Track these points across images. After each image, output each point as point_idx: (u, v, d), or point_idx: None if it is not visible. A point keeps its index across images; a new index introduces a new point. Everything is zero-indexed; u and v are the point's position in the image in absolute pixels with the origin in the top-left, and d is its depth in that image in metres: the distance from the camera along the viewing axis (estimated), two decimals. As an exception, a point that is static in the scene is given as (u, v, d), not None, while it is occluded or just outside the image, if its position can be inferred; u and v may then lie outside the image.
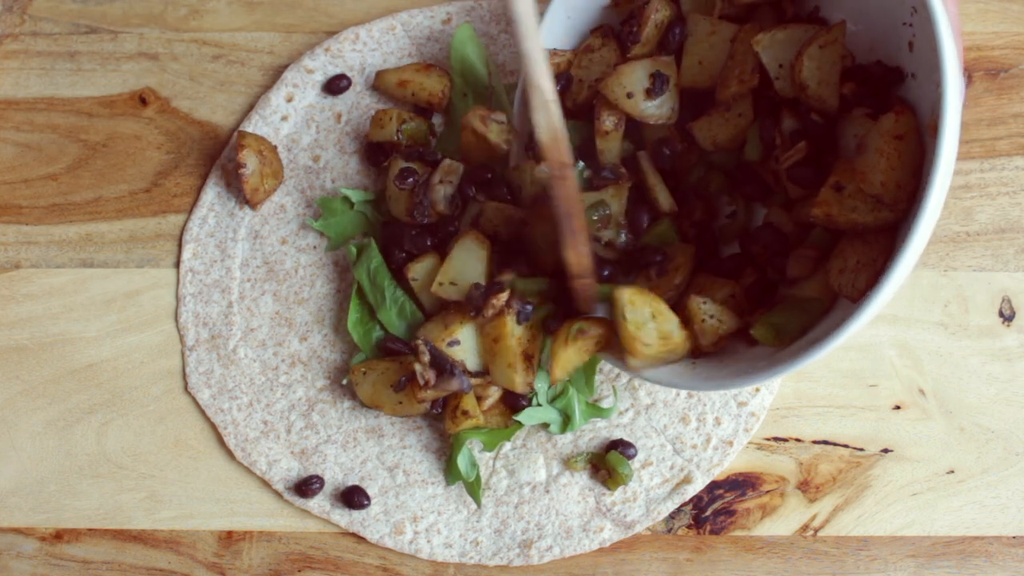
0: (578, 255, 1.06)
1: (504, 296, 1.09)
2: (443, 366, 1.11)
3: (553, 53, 1.17)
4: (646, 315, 1.04)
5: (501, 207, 1.15)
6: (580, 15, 1.19)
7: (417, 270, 1.17)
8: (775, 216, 1.11)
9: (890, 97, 1.04)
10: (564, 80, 1.16)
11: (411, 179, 1.17)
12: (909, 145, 0.95)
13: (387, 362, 1.17)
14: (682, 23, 1.13)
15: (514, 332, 1.11)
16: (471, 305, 1.10)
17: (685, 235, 1.15)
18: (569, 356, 1.09)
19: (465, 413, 1.13)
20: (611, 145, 1.14)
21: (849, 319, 0.92)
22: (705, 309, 1.05)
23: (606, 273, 1.13)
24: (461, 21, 1.30)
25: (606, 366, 1.20)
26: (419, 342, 1.11)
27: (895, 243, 0.96)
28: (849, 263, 0.98)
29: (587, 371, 1.18)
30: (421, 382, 1.11)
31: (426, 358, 1.11)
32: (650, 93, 1.10)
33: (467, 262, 1.14)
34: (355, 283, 1.21)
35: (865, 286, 0.96)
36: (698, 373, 1.04)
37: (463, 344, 1.13)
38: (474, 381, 1.15)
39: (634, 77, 1.10)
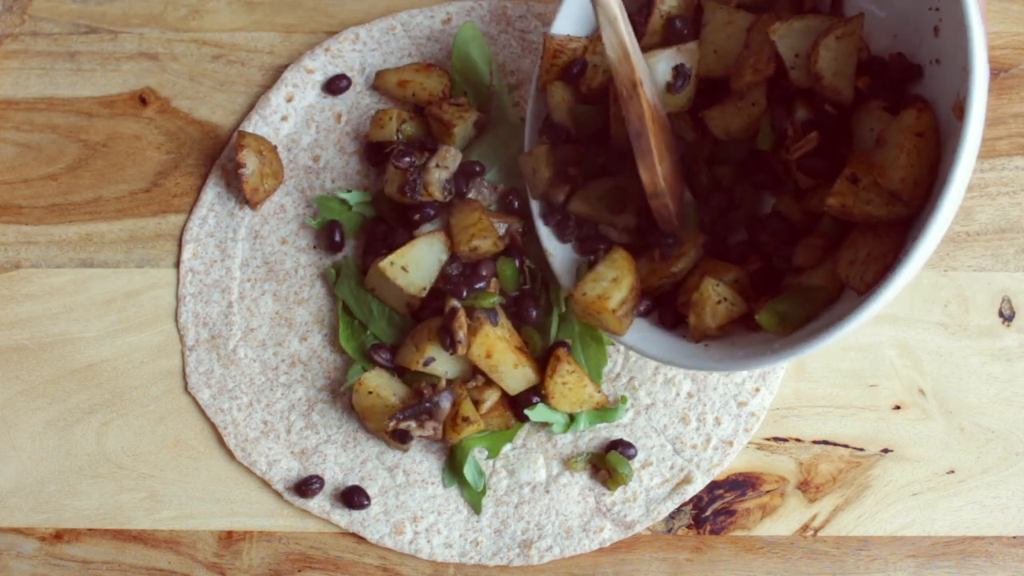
0: (651, 174, 1.06)
1: (462, 316, 1.11)
2: (431, 412, 1.13)
3: (569, 39, 1.16)
4: (610, 275, 1.08)
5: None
6: None
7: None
8: (784, 205, 1.11)
9: (906, 93, 1.04)
10: (579, 65, 1.16)
11: (408, 158, 1.18)
12: (928, 142, 0.96)
13: (391, 389, 1.17)
14: (698, 12, 1.13)
15: (499, 336, 1.12)
16: (447, 345, 1.12)
17: (702, 221, 1.16)
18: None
19: (465, 419, 1.13)
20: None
21: (860, 308, 0.93)
22: (719, 291, 1.06)
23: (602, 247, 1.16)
24: (461, 21, 1.30)
25: (613, 371, 1.20)
26: (396, 423, 1.13)
27: (905, 239, 0.97)
28: (859, 255, 0.99)
29: (595, 365, 1.19)
30: (438, 437, 1.15)
31: (413, 438, 1.15)
32: (671, 87, 1.11)
33: (425, 257, 1.15)
34: (340, 302, 1.22)
35: (873, 279, 0.96)
36: (711, 355, 1.05)
37: (439, 358, 1.14)
38: (471, 384, 1.16)
39: (657, 68, 1.10)
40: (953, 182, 0.89)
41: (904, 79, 1.05)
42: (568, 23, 1.18)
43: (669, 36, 1.14)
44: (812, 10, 1.11)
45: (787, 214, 1.10)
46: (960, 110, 0.92)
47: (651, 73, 1.09)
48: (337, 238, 1.23)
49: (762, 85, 1.08)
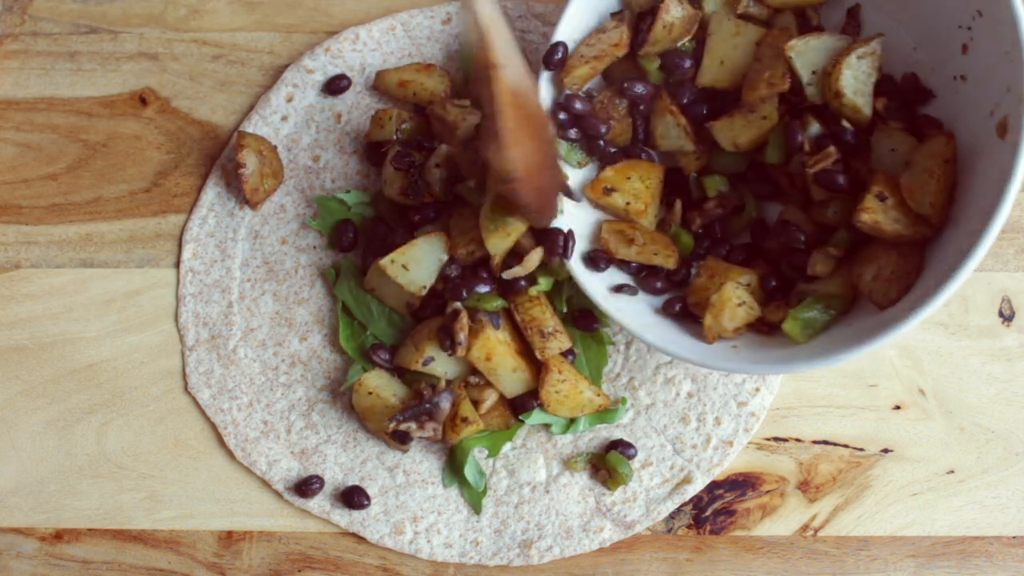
0: (498, 158, 1.03)
1: (464, 318, 1.11)
2: (431, 413, 1.13)
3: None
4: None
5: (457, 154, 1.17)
6: None
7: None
8: (792, 215, 1.13)
9: (916, 114, 1.09)
10: (562, 50, 1.15)
11: (407, 159, 1.17)
12: (952, 168, 1.03)
13: (392, 390, 1.17)
14: (702, 29, 1.15)
15: (499, 339, 1.12)
16: (446, 346, 1.12)
17: (690, 223, 1.17)
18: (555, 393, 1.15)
19: (464, 420, 1.14)
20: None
21: (904, 319, 0.97)
22: (739, 295, 1.08)
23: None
24: (462, 21, 1.30)
25: (613, 371, 1.20)
26: (396, 424, 1.12)
27: (924, 257, 1.04)
28: (883, 272, 1.04)
29: (595, 366, 1.19)
30: (438, 438, 1.14)
31: (413, 439, 1.14)
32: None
33: (426, 256, 1.15)
34: (339, 302, 1.22)
35: (896, 295, 1.02)
36: (743, 356, 1.06)
37: (438, 359, 1.14)
38: (472, 380, 1.16)
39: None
40: (1007, 200, 0.95)
41: (914, 100, 1.09)
42: (572, 26, 1.17)
43: (669, 60, 1.15)
44: (818, 27, 1.14)
45: (797, 223, 1.12)
46: (1004, 129, 0.97)
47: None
48: (351, 234, 1.22)
49: (774, 99, 1.10)
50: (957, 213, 1.03)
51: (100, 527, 1.20)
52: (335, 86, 1.28)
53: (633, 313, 1.12)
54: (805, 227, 1.11)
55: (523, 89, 1.04)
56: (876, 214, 1.03)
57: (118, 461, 1.21)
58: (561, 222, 1.13)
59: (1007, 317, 1.23)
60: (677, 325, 1.13)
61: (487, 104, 1.01)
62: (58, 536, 1.20)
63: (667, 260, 1.13)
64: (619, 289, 1.14)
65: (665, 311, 1.14)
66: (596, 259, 1.14)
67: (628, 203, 1.13)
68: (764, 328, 1.10)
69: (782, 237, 1.12)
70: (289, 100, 1.29)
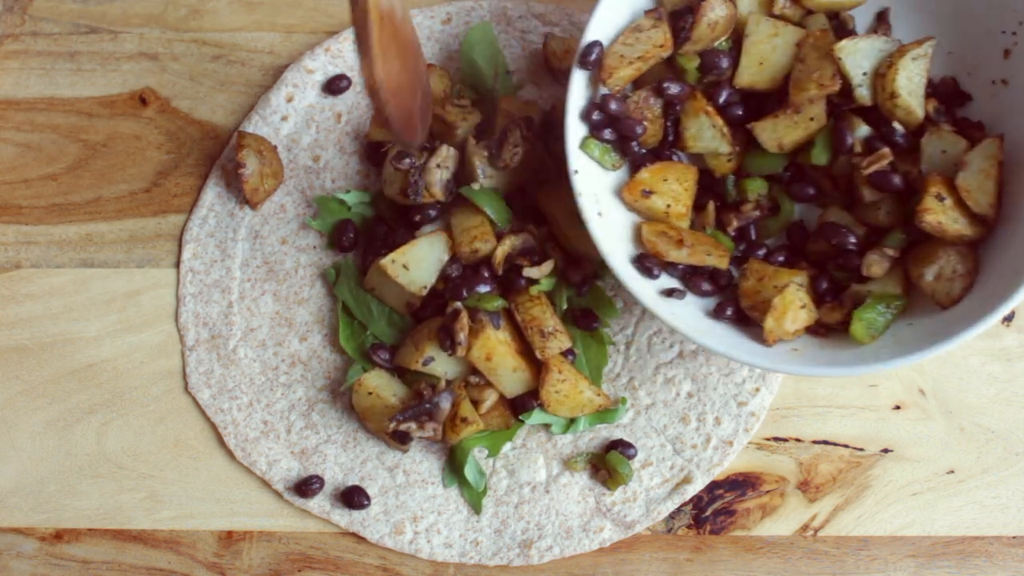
0: (367, 72, 1.02)
1: (464, 318, 1.11)
2: (431, 413, 1.13)
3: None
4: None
5: None
6: None
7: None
8: (835, 216, 1.14)
9: (956, 116, 1.12)
10: (597, 50, 1.12)
11: (408, 159, 1.17)
12: (1000, 168, 1.05)
13: (391, 390, 1.17)
14: (736, 29, 1.14)
15: (499, 339, 1.12)
16: (446, 346, 1.12)
17: (725, 226, 1.16)
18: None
19: (464, 420, 1.13)
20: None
21: (984, 316, 1.00)
22: (800, 297, 1.08)
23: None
24: (461, 21, 1.30)
25: (613, 371, 1.20)
26: (396, 424, 1.12)
27: (979, 256, 1.06)
28: (945, 271, 1.06)
29: (595, 366, 1.19)
30: (438, 438, 1.14)
31: (413, 439, 1.14)
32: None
33: (427, 256, 1.15)
34: (339, 302, 1.22)
35: (959, 294, 1.05)
36: (806, 358, 1.06)
37: (438, 359, 1.15)
38: (472, 380, 1.16)
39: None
40: None
41: (953, 103, 1.11)
42: (604, 24, 1.13)
43: (708, 60, 1.14)
44: (852, 30, 1.15)
45: (845, 225, 1.12)
46: None
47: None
48: (351, 234, 1.22)
49: (822, 100, 1.10)
50: (1009, 213, 1.04)
51: (100, 527, 1.20)
52: (335, 86, 1.28)
53: (686, 317, 1.09)
54: (857, 229, 1.12)
55: (395, 12, 1.04)
56: (938, 214, 1.03)
57: (118, 461, 1.21)
58: (587, 220, 1.10)
59: (1007, 317, 1.23)
60: (732, 329, 1.11)
61: (356, 19, 1.00)
62: (58, 536, 1.20)
63: (720, 260, 1.10)
64: (669, 293, 1.11)
65: (718, 315, 1.12)
66: (647, 264, 1.10)
67: (669, 206, 1.11)
68: (820, 330, 1.10)
69: (832, 239, 1.11)
70: (289, 100, 1.29)
